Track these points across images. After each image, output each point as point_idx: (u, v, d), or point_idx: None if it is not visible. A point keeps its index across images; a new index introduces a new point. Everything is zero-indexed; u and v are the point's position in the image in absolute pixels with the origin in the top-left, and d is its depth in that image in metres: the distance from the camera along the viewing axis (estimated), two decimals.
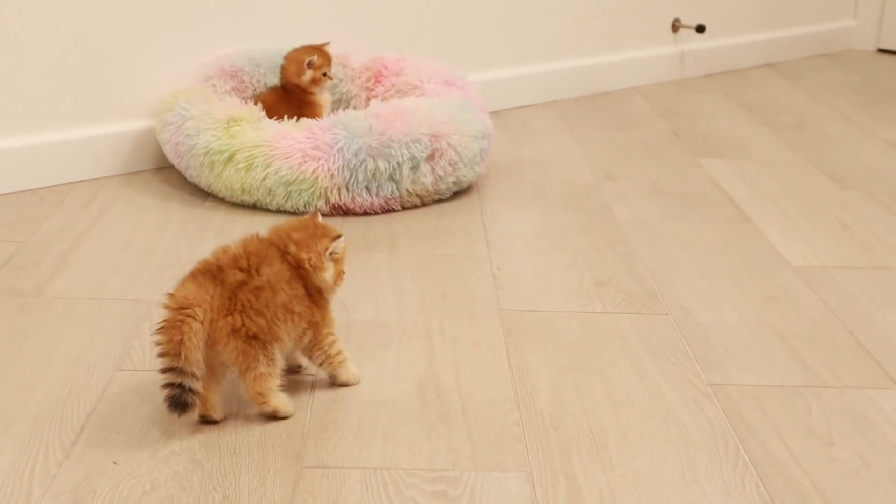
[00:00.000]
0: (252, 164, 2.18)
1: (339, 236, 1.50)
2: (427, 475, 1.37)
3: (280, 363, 1.46)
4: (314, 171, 2.16)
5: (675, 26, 3.41)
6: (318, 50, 2.39)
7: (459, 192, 2.36)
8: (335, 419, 1.49)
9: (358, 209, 2.21)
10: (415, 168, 2.21)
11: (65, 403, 1.50)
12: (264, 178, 2.17)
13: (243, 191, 2.21)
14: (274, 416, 1.46)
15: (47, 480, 1.34)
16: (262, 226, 2.10)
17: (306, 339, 1.51)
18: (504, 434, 1.46)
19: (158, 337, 1.37)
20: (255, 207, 2.24)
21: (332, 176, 2.16)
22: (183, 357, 1.36)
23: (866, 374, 1.66)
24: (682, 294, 1.91)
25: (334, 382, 1.56)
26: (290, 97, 2.40)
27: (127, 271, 1.94)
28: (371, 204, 2.21)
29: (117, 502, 1.30)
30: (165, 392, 1.37)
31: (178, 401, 1.37)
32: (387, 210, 2.25)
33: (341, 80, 2.59)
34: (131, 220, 2.17)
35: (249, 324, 1.41)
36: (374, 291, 1.88)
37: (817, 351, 1.72)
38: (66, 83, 2.32)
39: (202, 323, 1.37)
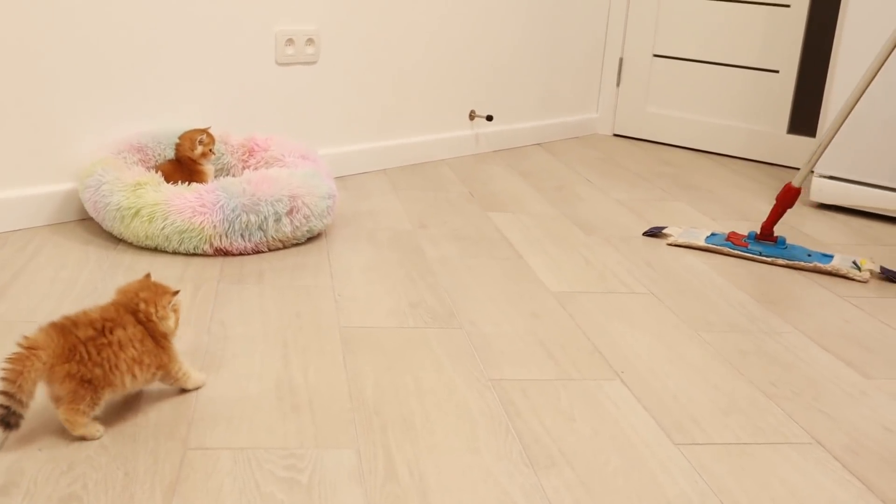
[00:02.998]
0: (153, 218, 2.12)
1: (177, 292, 1.46)
2: (281, 453, 1.36)
3: (101, 406, 1.37)
4: (201, 222, 2.12)
5: (472, 115, 3.47)
6: (205, 132, 2.35)
7: (312, 238, 2.35)
8: (213, 410, 1.46)
9: (235, 251, 2.18)
10: (277, 220, 2.19)
11: None
12: (163, 228, 2.12)
13: (147, 237, 2.15)
14: (83, 439, 1.36)
15: None
16: (160, 264, 2.08)
17: (158, 377, 1.45)
18: (339, 419, 1.46)
19: (5, 365, 1.29)
20: (155, 250, 2.18)
21: (214, 226, 2.13)
22: (17, 385, 1.28)
23: (598, 368, 1.71)
24: (472, 312, 1.94)
25: (184, 390, 1.51)
26: (182, 167, 2.34)
27: (54, 299, 1.87)
28: (245, 247, 2.18)
29: (41, 479, 1.25)
30: None
31: (3, 420, 1.28)
32: (257, 251, 2.22)
33: (223, 154, 2.54)
34: (58, 260, 2.08)
35: (84, 371, 1.33)
36: (246, 312, 1.86)
37: (566, 353, 1.77)
38: (8, 153, 2.23)
39: (43, 364, 1.30)
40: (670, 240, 2.52)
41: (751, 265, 2.37)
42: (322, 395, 1.53)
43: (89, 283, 1.96)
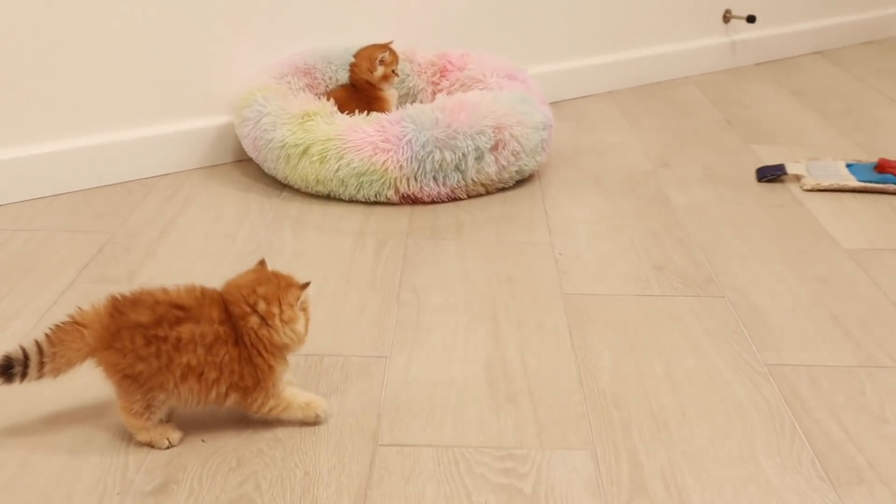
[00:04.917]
0: (326, 157, 2.17)
1: (306, 285, 1.37)
2: (496, 453, 1.36)
3: (159, 409, 1.35)
4: (384, 162, 2.15)
5: (727, 17, 3.36)
6: (386, 48, 2.38)
7: (522, 181, 2.34)
8: (408, 399, 1.48)
9: (426, 198, 2.20)
10: (479, 158, 2.20)
11: None
12: (337, 170, 2.17)
13: (318, 182, 2.21)
14: (150, 446, 1.38)
15: (141, 456, 1.35)
16: (335, 215, 2.13)
17: (229, 401, 1.36)
18: (568, 413, 1.45)
19: (52, 327, 1.32)
20: (328, 197, 2.24)
21: (401, 167, 2.15)
22: (54, 350, 1.31)
23: None
24: (737, 277, 1.88)
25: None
26: (359, 93, 2.39)
27: (210, 258, 1.95)
28: (438, 193, 2.20)
29: (206, 477, 1.31)
30: (10, 352, 1.30)
31: (9, 366, 1.30)
32: (453, 198, 2.23)
33: (408, 76, 2.57)
34: (213, 211, 2.18)
35: (124, 364, 1.31)
36: (443, 276, 1.87)
37: (870, 331, 1.69)
38: (149, 82, 2.34)
39: (86, 344, 1.32)
40: (807, 184, 2.32)
41: None
42: (545, 382, 1.53)
43: (251, 237, 2.04)
